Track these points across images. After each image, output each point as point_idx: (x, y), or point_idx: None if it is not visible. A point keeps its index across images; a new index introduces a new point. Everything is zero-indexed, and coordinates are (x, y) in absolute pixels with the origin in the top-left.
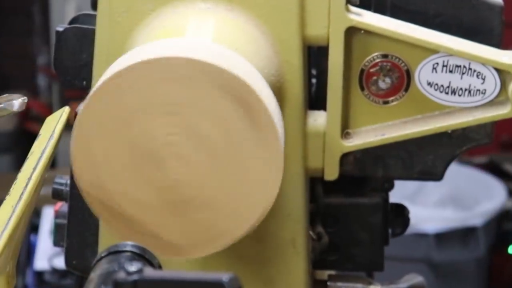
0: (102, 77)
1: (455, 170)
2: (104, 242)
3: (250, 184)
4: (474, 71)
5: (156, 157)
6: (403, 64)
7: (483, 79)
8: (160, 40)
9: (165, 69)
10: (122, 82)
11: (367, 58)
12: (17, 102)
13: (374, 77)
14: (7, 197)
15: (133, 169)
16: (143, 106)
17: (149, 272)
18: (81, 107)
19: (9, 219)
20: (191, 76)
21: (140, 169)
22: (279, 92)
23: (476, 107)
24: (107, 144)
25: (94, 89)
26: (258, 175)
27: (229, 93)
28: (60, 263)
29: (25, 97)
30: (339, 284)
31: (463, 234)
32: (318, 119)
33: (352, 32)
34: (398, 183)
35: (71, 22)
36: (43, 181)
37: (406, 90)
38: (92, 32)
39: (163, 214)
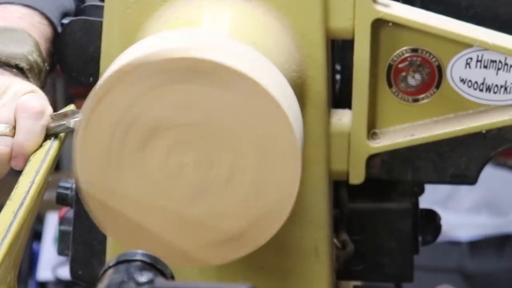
0: (107, 71)
1: (490, 173)
2: (112, 250)
3: (267, 189)
4: (511, 66)
5: (167, 159)
6: (434, 59)
7: None
8: (172, 31)
9: (174, 66)
10: (130, 78)
11: (396, 53)
12: (73, 121)
13: (403, 73)
14: (8, 202)
15: (141, 172)
16: (152, 104)
17: (161, 282)
18: (85, 105)
19: (10, 226)
20: (199, 75)
21: (149, 173)
22: (300, 89)
23: None
24: (114, 145)
25: (98, 85)
26: (275, 182)
27: (239, 94)
28: (64, 273)
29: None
30: None
31: (499, 242)
32: (342, 118)
33: (379, 25)
34: (428, 187)
35: (77, 14)
36: (46, 185)
37: (438, 87)
38: (100, 24)
39: (175, 220)
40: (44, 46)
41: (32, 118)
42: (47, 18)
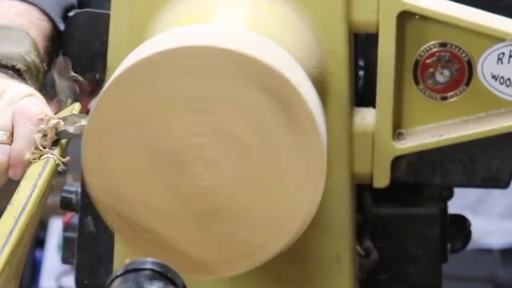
0: (118, 69)
1: None
2: (120, 258)
3: (287, 193)
4: None
5: (180, 161)
6: (464, 54)
7: None
8: (186, 26)
9: (190, 60)
10: (141, 75)
11: (423, 48)
12: (73, 127)
13: (431, 69)
14: (9, 207)
15: (153, 175)
16: (165, 103)
17: None
18: (94, 104)
19: (11, 232)
20: (221, 68)
21: (162, 175)
22: (321, 86)
23: None
24: (124, 146)
25: (108, 83)
26: (297, 182)
27: (264, 88)
28: (69, 282)
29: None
30: None
31: None
32: (366, 118)
33: (405, 18)
34: (458, 191)
35: (82, 6)
36: (50, 188)
37: (468, 84)
38: (107, 17)
39: (188, 226)
40: (42, 44)
41: (31, 124)
42: (47, 14)
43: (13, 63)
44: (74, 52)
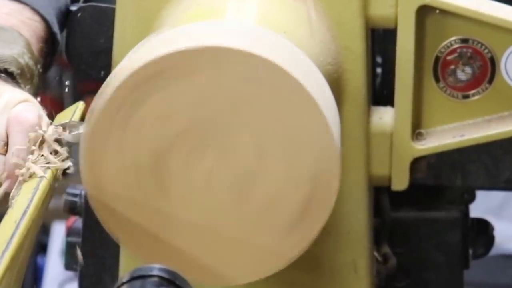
0: (116, 73)
1: None
2: (126, 264)
3: (300, 197)
4: None
5: (187, 163)
6: (486, 51)
7: None
8: (195, 23)
9: (200, 60)
10: (145, 77)
11: (443, 44)
12: (71, 135)
13: (452, 66)
14: (9, 211)
15: (158, 178)
16: (171, 103)
17: None
18: (94, 103)
19: (12, 237)
20: (229, 69)
21: (167, 178)
22: (337, 84)
23: None
24: (126, 149)
25: (106, 87)
26: (309, 184)
27: (273, 89)
28: None
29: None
30: None
31: None
32: (384, 117)
33: (425, 12)
34: (480, 194)
35: (86, 0)
36: (52, 191)
37: (490, 81)
38: (112, 11)
39: (197, 230)
40: (36, 46)
41: (27, 132)
42: (39, 14)
43: (6, 66)
44: (78, 49)
